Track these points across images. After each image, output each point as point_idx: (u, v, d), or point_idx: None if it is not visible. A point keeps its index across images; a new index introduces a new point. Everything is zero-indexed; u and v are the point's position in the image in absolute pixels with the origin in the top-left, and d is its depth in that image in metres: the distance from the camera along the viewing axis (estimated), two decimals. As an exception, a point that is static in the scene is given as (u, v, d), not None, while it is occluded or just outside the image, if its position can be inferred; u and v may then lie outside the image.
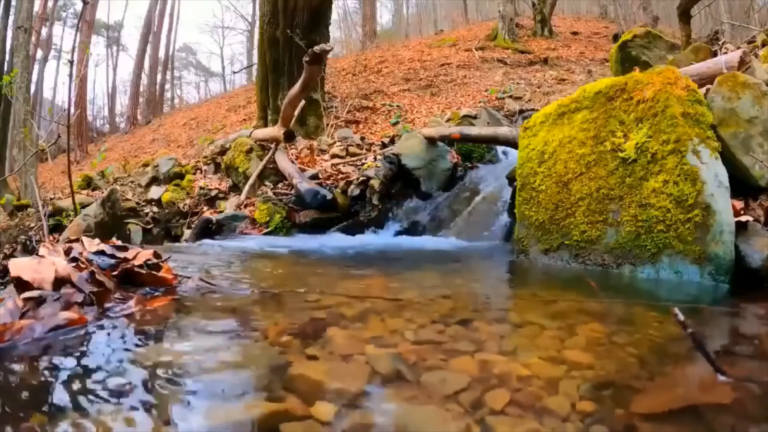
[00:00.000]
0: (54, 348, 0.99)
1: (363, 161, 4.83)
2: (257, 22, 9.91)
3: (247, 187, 4.60)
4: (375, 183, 4.06)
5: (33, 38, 13.05)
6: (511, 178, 3.13)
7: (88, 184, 5.81)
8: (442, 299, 1.56)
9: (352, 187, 4.12)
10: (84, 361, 0.94)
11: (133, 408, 0.76)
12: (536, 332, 1.17)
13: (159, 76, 24.08)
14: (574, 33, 15.14)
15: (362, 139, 5.98)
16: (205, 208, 4.66)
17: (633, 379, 0.90)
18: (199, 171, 5.69)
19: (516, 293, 2.00)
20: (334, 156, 5.28)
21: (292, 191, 4.24)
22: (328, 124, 7.55)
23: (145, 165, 6.56)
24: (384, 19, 33.43)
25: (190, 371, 0.90)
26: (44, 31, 19.44)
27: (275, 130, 5.00)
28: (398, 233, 3.77)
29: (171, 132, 14.76)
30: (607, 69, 7.62)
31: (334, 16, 12.62)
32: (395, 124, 8.37)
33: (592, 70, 10.65)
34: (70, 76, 4.36)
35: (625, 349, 1.05)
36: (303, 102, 5.48)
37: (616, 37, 9.58)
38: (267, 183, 4.70)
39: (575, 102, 2.34)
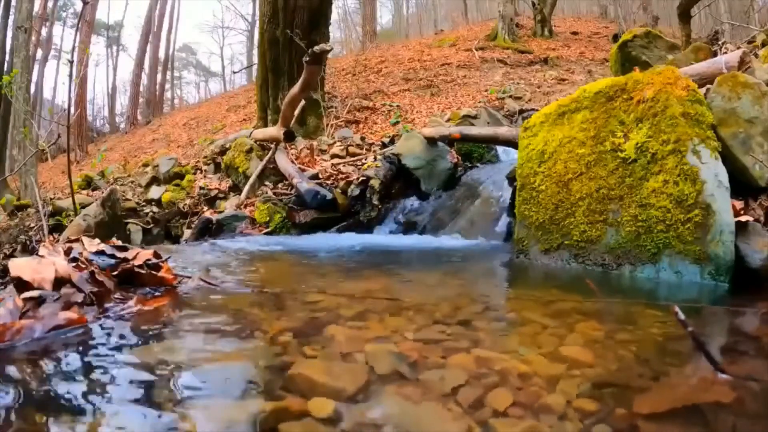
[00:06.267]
0: (54, 348, 0.99)
1: (363, 161, 4.83)
2: (257, 22, 9.91)
3: (247, 187, 4.61)
4: (375, 183, 4.05)
5: (33, 38, 13.05)
6: (511, 178, 3.13)
7: (88, 184, 5.81)
8: (442, 299, 1.56)
9: (352, 187, 4.12)
10: (84, 361, 0.94)
11: (134, 408, 0.76)
12: (536, 332, 1.17)
13: (159, 76, 24.06)
14: (574, 33, 15.13)
15: (362, 139, 5.98)
16: (205, 208, 4.67)
17: (633, 379, 0.90)
18: (199, 171, 5.70)
19: (516, 293, 2.00)
20: (334, 156, 5.28)
21: (292, 191, 4.24)
22: (328, 124, 7.54)
23: (145, 165, 6.57)
24: (384, 19, 33.46)
25: (189, 371, 0.90)
26: (44, 31, 19.44)
27: (275, 130, 5.00)
28: (398, 233, 3.77)
29: (171, 132, 14.75)
30: (607, 69, 7.62)
31: (334, 16, 12.63)
32: (395, 124, 8.37)
33: (592, 70, 10.65)
34: (70, 76, 4.37)
35: (626, 348, 1.05)
36: (303, 102, 5.48)
37: (616, 37, 9.58)
38: (267, 183, 4.70)
39: (575, 102, 2.34)
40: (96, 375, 0.88)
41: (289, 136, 4.79)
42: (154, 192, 5.07)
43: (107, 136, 21.68)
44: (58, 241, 3.51)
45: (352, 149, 5.38)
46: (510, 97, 8.72)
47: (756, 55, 3.06)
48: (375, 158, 4.69)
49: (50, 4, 19.99)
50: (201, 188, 5.01)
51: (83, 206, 4.22)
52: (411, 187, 4.19)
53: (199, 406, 0.78)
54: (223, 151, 5.69)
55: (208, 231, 3.84)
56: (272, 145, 4.98)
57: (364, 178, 4.14)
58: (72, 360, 0.94)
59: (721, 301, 1.70)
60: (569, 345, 1.06)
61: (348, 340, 1.06)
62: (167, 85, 26.56)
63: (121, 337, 1.07)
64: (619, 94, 2.17)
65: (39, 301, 1.10)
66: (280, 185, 4.62)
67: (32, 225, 4.50)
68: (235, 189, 4.97)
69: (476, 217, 3.47)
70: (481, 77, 10.70)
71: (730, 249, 1.79)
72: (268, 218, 3.91)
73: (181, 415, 0.75)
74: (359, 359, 0.95)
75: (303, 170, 4.55)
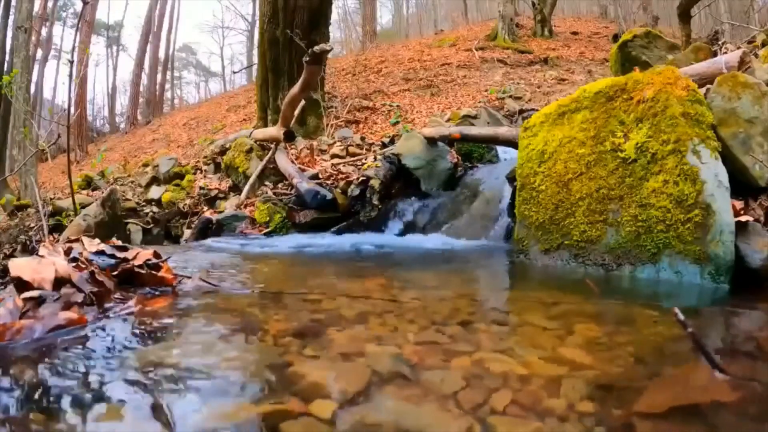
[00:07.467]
0: (54, 348, 0.99)
1: (363, 161, 4.83)
2: (257, 22, 9.91)
3: (247, 187, 4.61)
4: (375, 183, 4.05)
5: (33, 38, 13.04)
6: (511, 178, 3.13)
7: (88, 184, 5.81)
8: (442, 300, 1.56)
9: (352, 187, 4.12)
10: (84, 362, 0.94)
11: (134, 408, 0.76)
12: (536, 333, 1.17)
13: (159, 76, 24.06)
14: (574, 33, 15.13)
15: (362, 139, 5.98)
16: (205, 208, 4.67)
17: (633, 379, 0.90)
18: (199, 171, 5.70)
19: (516, 294, 2.00)
20: (334, 156, 5.28)
21: (292, 191, 4.24)
22: (328, 124, 7.54)
23: (145, 165, 6.57)
24: (384, 19, 33.49)
25: (190, 371, 0.90)
26: (44, 31, 19.44)
27: (275, 130, 5.00)
28: (398, 233, 3.77)
29: (171, 132, 14.76)
30: (607, 69, 7.62)
31: (334, 16, 12.64)
32: (395, 124, 8.37)
33: (592, 70, 10.65)
34: (70, 76, 4.37)
35: (626, 348, 1.05)
36: (303, 102, 5.48)
37: (616, 37, 9.58)
38: (267, 183, 4.70)
39: (575, 102, 2.34)
40: (96, 375, 0.88)
41: (289, 136, 4.80)
42: (154, 192, 5.07)
43: (107, 136, 21.68)
44: (58, 241, 3.51)
45: (352, 149, 5.38)
46: (510, 97, 8.72)
47: (756, 55, 3.06)
48: (375, 158, 4.69)
49: (50, 4, 20.02)
50: (201, 188, 5.01)
51: (83, 206, 4.22)
52: (411, 187, 4.19)
53: (199, 406, 0.78)
54: (223, 151, 5.70)
55: (208, 231, 3.84)
56: (272, 145, 4.98)
57: (364, 178, 4.14)
58: (72, 360, 0.94)
59: (721, 301, 1.70)
60: (569, 347, 1.06)
61: (348, 340, 1.06)
62: (167, 85, 26.58)
63: (122, 337, 1.07)
64: (619, 94, 2.17)
65: (39, 301, 1.10)
66: (280, 185, 4.62)
67: (32, 225, 4.50)
68: (235, 189, 4.97)
69: (476, 217, 3.46)
70: (481, 77, 10.70)
71: (730, 249, 1.79)
72: (268, 218, 3.91)
73: (182, 415, 0.75)
74: (360, 360, 0.95)
75: (303, 170, 4.55)
